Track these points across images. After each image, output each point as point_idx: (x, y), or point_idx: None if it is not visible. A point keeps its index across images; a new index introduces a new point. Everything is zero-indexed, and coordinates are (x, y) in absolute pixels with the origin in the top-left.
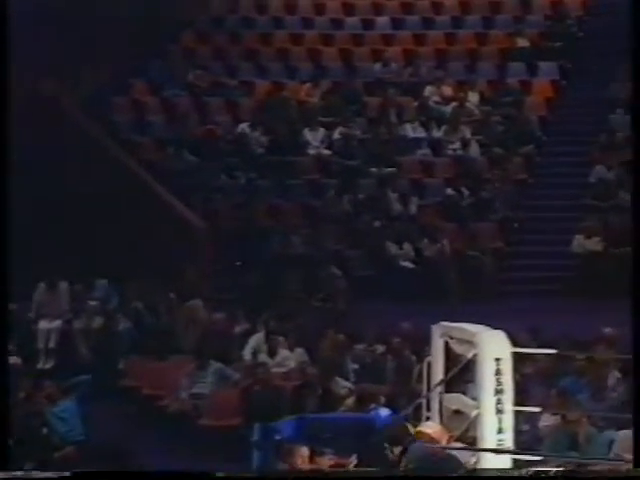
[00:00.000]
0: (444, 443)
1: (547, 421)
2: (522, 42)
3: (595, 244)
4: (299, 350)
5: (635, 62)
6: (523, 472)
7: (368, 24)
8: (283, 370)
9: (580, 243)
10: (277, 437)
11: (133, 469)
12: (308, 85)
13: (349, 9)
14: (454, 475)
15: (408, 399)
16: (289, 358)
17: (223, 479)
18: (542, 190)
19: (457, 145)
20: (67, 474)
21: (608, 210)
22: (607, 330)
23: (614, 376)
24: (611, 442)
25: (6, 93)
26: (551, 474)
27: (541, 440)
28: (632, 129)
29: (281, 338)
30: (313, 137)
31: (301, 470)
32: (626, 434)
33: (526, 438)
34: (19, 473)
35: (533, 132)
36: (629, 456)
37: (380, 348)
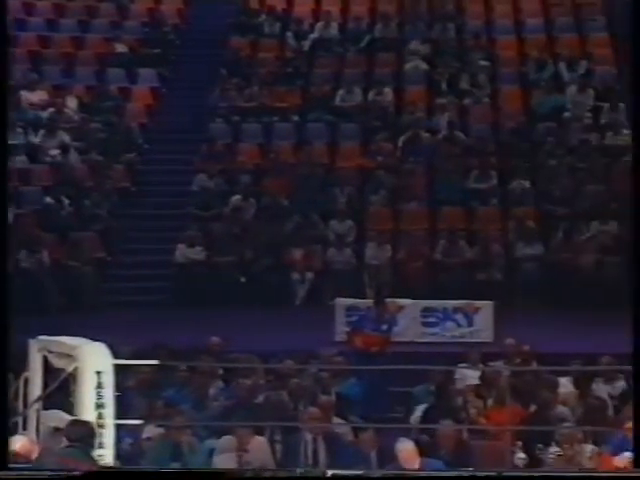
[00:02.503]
0: (34, 457)
1: (150, 433)
2: (121, 48)
3: (197, 253)
4: None
5: (635, 61)
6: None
7: None
8: None
9: (182, 252)
10: None
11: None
12: None
13: None
14: (455, 475)
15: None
16: None
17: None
18: (145, 199)
19: (55, 152)
20: (75, 473)
21: (209, 219)
22: (213, 339)
23: (216, 386)
24: (212, 450)
25: (5, 95)
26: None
27: (145, 452)
28: (632, 130)
29: None
30: None
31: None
32: (224, 441)
33: (130, 451)
34: (22, 472)
35: (134, 139)
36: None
37: None
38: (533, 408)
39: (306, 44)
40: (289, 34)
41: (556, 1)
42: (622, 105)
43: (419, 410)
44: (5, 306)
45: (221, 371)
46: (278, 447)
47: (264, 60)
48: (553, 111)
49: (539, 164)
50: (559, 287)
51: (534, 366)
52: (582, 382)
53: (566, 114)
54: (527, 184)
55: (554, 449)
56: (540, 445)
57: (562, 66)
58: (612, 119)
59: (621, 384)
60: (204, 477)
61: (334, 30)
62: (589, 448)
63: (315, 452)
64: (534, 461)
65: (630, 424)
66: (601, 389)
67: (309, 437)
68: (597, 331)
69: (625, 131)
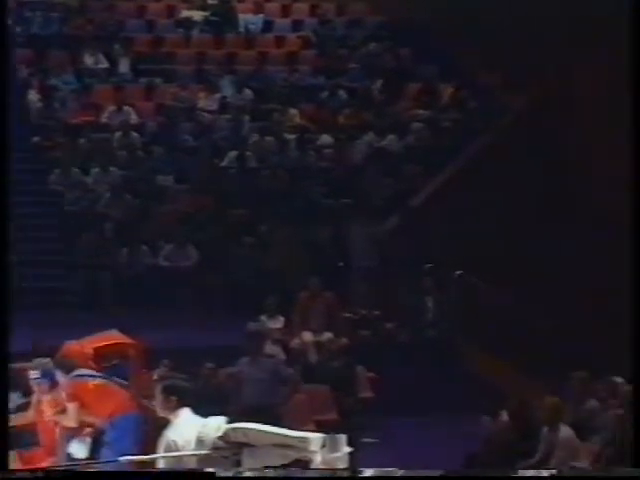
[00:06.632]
0: None
1: None
2: None
3: None
4: None
5: (635, 63)
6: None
7: None
8: None
9: None
10: None
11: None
12: None
13: None
14: (455, 475)
15: None
16: None
17: (225, 479)
18: None
19: None
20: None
21: None
22: None
23: None
24: None
25: (5, 95)
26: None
27: None
28: (632, 130)
29: None
30: None
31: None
32: None
33: None
34: (23, 472)
35: None
36: None
37: None
38: None
39: None
40: None
41: None
42: None
43: None
44: (5, 306)
45: None
46: None
47: None
48: None
49: None
50: None
51: None
52: None
53: None
54: None
55: None
56: None
57: None
58: None
59: None
60: (199, 477)
61: None
62: None
63: None
64: None
65: None
66: None
67: None
68: None
69: None
